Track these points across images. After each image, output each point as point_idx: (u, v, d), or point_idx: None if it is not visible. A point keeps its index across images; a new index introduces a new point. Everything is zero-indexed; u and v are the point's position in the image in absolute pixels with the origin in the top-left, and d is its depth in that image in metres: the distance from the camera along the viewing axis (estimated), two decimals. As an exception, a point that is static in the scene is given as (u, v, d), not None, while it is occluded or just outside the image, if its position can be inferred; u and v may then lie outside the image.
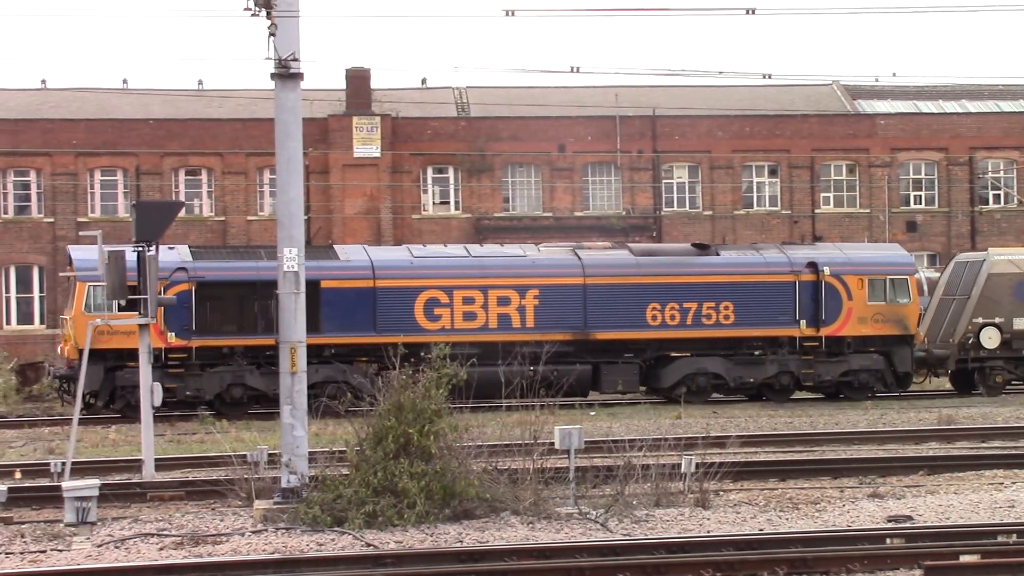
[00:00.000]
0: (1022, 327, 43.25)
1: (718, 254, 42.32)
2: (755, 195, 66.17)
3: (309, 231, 53.83)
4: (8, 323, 61.24)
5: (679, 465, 21.75)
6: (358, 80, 64.46)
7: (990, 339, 43.15)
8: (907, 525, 19.24)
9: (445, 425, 19.98)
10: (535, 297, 40.19)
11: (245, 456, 22.87)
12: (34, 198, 63.37)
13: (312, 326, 38.29)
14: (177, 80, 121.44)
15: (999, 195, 66.86)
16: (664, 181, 65.63)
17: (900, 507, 20.84)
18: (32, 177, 63.34)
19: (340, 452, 21.06)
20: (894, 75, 68.42)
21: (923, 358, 43.28)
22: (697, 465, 21.66)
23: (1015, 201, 66.62)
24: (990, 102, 70.23)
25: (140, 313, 25.23)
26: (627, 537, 18.68)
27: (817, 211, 65.85)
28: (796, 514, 20.49)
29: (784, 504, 21.57)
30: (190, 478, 24.73)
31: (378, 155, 63.33)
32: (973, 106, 69.81)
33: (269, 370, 38.65)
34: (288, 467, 20.25)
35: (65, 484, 20.82)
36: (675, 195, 65.92)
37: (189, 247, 40.37)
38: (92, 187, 63.38)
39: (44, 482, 24.54)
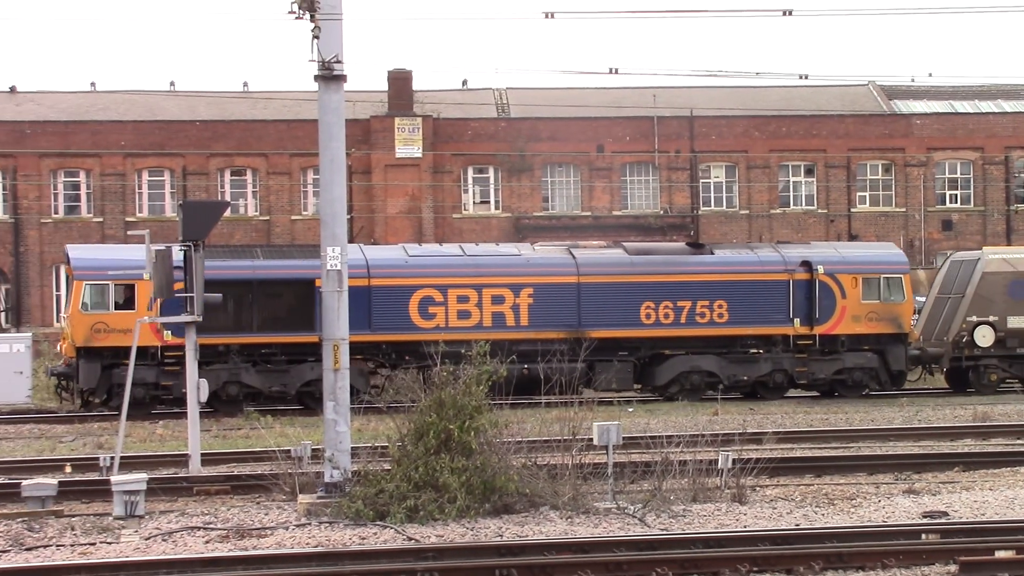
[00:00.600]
0: (1016, 325, 43.19)
1: (712, 253, 42.36)
2: (791, 194, 66.24)
3: (352, 230, 54.13)
4: (58, 320, 61.82)
5: (716, 461, 21.87)
6: (400, 81, 64.82)
7: (984, 337, 43.14)
8: (942, 521, 19.27)
9: (485, 421, 20.10)
10: (529, 296, 40.23)
11: (289, 451, 23.10)
12: (83, 198, 64.18)
13: (307, 324, 38.87)
14: (223, 82, 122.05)
15: (1034, 194, 66.81)
16: (701, 180, 65.79)
17: (935, 503, 20.91)
18: (81, 178, 64.14)
19: (382, 447, 21.13)
20: (930, 75, 68.24)
21: (917, 356, 43.34)
22: (734, 461, 21.78)
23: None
24: (1026, 102, 70.15)
25: (187, 311, 25.52)
26: (664, 532, 18.75)
27: (853, 210, 65.87)
28: (832, 510, 20.55)
29: (820, 500, 21.64)
30: (235, 473, 24.88)
31: (419, 155, 63.68)
32: (1009, 106, 69.66)
33: (264, 368, 39.20)
34: (331, 462, 20.40)
35: (114, 478, 21.17)
36: (712, 194, 66.06)
37: None
38: (140, 187, 64.06)
39: (93, 476, 24.91)
